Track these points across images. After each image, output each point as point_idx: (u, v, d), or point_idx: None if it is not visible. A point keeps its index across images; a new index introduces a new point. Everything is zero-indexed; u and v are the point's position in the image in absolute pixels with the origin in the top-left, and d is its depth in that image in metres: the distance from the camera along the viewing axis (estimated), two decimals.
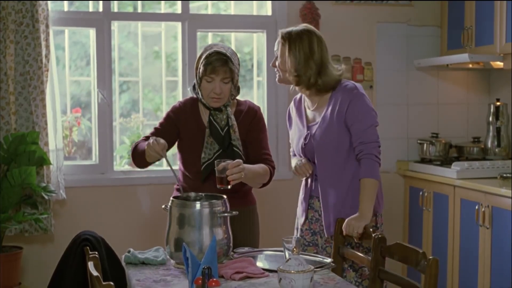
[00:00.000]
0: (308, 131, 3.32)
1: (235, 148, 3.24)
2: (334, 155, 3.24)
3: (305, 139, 3.32)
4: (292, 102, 3.53)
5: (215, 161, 3.07)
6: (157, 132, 3.32)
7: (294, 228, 3.56)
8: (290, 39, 3.27)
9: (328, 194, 3.28)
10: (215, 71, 3.17)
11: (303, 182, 3.46)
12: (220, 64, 3.17)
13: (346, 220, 3.15)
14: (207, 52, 3.21)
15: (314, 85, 3.26)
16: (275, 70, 3.39)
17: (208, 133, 3.24)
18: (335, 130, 3.23)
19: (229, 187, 3.04)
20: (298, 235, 3.45)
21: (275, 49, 3.34)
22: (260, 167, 3.24)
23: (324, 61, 3.27)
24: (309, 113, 3.38)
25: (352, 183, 3.26)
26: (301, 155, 3.38)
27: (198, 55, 3.29)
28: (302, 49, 3.24)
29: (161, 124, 3.35)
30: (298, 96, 3.50)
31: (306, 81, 3.26)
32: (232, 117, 3.27)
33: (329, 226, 3.27)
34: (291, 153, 3.56)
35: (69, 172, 4.81)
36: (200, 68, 3.21)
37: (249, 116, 3.33)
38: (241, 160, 3.06)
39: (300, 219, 3.48)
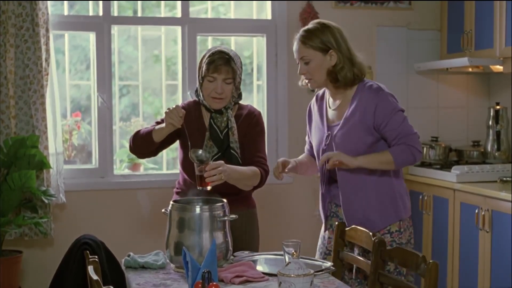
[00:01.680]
0: (329, 132, 3.25)
1: (232, 151, 3.23)
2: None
3: (326, 139, 3.25)
4: (314, 99, 3.43)
5: (195, 163, 3.06)
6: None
7: (319, 237, 3.47)
8: (309, 38, 3.19)
9: (350, 198, 3.22)
10: (218, 70, 3.17)
11: (321, 189, 3.38)
12: (222, 63, 3.18)
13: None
14: (210, 52, 3.22)
15: (351, 80, 3.19)
16: (303, 78, 3.28)
17: (208, 136, 3.24)
18: (357, 131, 3.16)
19: (208, 188, 3.03)
20: (320, 243, 3.40)
21: (299, 56, 3.22)
22: (249, 168, 3.22)
23: (351, 51, 3.22)
24: (330, 112, 3.30)
25: (378, 186, 3.21)
26: (318, 156, 3.31)
27: (200, 58, 3.29)
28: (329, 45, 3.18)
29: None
30: (320, 92, 3.41)
31: (343, 78, 3.18)
32: (232, 119, 3.27)
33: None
34: (305, 151, 3.50)
35: (69, 176, 4.81)
36: (202, 68, 3.22)
37: (248, 119, 3.33)
38: (221, 162, 3.06)
39: (323, 227, 3.42)
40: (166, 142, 3.33)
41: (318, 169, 3.36)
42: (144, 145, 3.25)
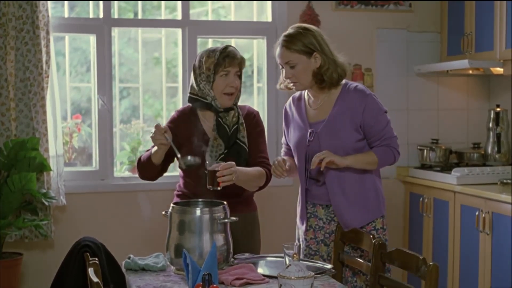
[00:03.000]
0: (312, 129, 3.27)
1: (241, 144, 3.25)
2: (342, 154, 3.19)
3: (310, 136, 3.27)
4: (290, 100, 3.46)
5: (206, 162, 3.07)
6: None
7: (296, 239, 3.51)
8: (293, 42, 3.22)
9: (338, 195, 3.25)
10: (232, 62, 3.21)
11: (300, 190, 3.41)
12: (236, 54, 3.23)
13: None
14: (220, 48, 3.25)
15: (336, 80, 3.23)
16: (282, 81, 3.32)
17: (214, 135, 3.23)
18: (345, 129, 3.21)
19: (219, 188, 3.04)
20: (303, 245, 3.41)
21: (284, 61, 3.24)
22: (255, 169, 3.23)
23: (333, 52, 3.26)
24: (311, 111, 3.33)
25: (363, 183, 3.27)
26: (298, 153, 3.32)
27: (204, 57, 3.28)
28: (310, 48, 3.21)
29: None
30: (297, 94, 3.44)
31: (329, 78, 3.22)
32: (241, 116, 3.29)
33: (346, 225, 3.26)
34: (281, 153, 3.51)
35: (69, 178, 4.81)
36: (212, 66, 3.21)
37: (248, 120, 3.34)
38: (233, 163, 3.06)
39: (301, 228, 3.44)
40: (170, 156, 3.32)
41: (298, 167, 3.36)
42: (149, 170, 3.29)
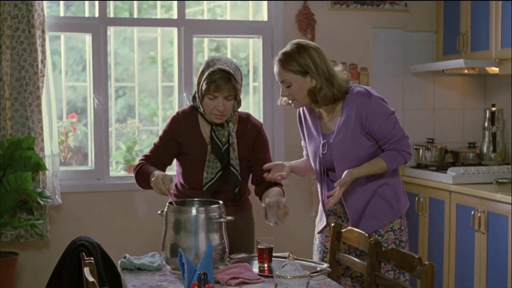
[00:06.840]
0: (325, 140, 3.24)
1: (232, 168, 3.19)
2: (354, 163, 3.16)
3: (322, 148, 3.24)
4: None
5: (256, 240, 3.06)
6: (156, 150, 3.28)
7: (315, 233, 3.47)
8: (288, 62, 3.15)
9: (353, 197, 3.23)
10: (219, 90, 3.10)
11: (320, 195, 3.38)
12: (223, 82, 3.09)
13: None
14: (210, 70, 3.12)
15: (330, 99, 3.17)
16: (283, 98, 3.25)
17: (210, 149, 3.20)
18: (352, 138, 3.15)
19: (270, 264, 3.02)
20: (318, 242, 3.40)
21: (280, 79, 3.19)
22: (279, 192, 3.27)
23: (330, 70, 3.17)
24: (323, 121, 3.28)
25: (378, 185, 3.23)
26: (314, 163, 3.30)
27: (200, 69, 3.19)
28: (305, 67, 3.14)
29: (160, 138, 3.30)
30: None
31: (323, 98, 3.15)
32: (233, 134, 3.21)
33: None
34: (304, 156, 3.48)
35: (65, 177, 4.80)
36: (202, 85, 3.13)
37: (253, 134, 3.30)
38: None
39: (318, 224, 3.42)
40: (170, 159, 3.32)
41: (316, 176, 3.35)
42: (146, 187, 3.20)
